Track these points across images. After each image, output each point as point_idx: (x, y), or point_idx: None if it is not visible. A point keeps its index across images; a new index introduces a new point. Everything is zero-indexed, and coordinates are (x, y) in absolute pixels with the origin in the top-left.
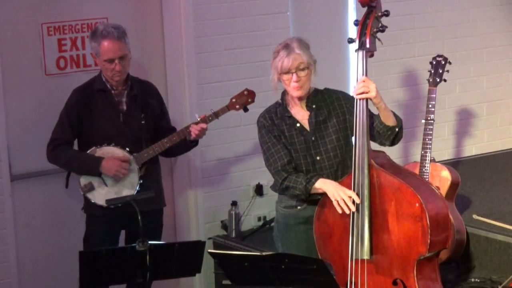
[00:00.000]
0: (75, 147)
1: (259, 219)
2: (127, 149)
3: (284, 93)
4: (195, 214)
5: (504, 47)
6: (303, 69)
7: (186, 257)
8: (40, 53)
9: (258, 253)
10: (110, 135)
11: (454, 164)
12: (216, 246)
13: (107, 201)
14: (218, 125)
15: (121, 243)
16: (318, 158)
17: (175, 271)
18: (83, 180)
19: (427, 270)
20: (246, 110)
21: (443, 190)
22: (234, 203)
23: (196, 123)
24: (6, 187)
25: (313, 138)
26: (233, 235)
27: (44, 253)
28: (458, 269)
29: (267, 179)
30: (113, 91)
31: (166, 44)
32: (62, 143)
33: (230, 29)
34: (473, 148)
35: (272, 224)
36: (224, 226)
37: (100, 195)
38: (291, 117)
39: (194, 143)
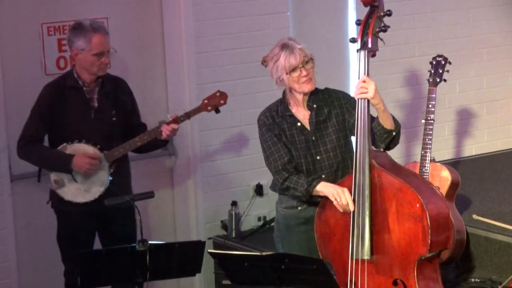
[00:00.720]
0: (46, 142)
1: (259, 219)
2: (98, 146)
3: (286, 92)
4: (195, 214)
5: (504, 47)
6: (307, 62)
7: (186, 257)
8: (40, 53)
9: (258, 253)
10: (81, 132)
11: (454, 164)
12: (216, 246)
13: (107, 200)
14: (218, 125)
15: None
16: (318, 157)
17: (175, 271)
18: (54, 176)
19: (428, 271)
20: (217, 111)
21: (443, 190)
22: (234, 203)
23: (168, 123)
24: (6, 187)
25: (313, 138)
26: (233, 235)
27: (43, 253)
28: (458, 269)
29: (267, 179)
30: (85, 88)
31: (166, 44)
32: (33, 139)
33: (230, 29)
34: (473, 148)
35: (272, 224)
36: (224, 226)
37: (70, 191)
38: (292, 116)
39: (165, 142)
